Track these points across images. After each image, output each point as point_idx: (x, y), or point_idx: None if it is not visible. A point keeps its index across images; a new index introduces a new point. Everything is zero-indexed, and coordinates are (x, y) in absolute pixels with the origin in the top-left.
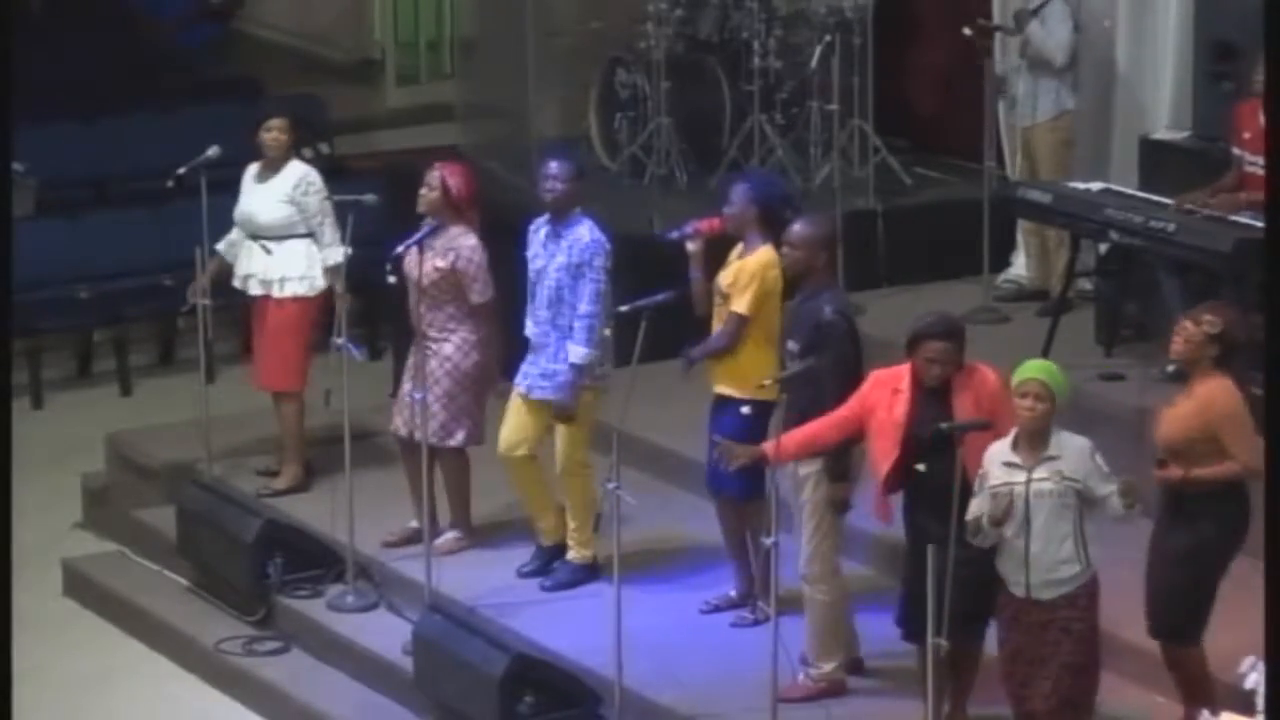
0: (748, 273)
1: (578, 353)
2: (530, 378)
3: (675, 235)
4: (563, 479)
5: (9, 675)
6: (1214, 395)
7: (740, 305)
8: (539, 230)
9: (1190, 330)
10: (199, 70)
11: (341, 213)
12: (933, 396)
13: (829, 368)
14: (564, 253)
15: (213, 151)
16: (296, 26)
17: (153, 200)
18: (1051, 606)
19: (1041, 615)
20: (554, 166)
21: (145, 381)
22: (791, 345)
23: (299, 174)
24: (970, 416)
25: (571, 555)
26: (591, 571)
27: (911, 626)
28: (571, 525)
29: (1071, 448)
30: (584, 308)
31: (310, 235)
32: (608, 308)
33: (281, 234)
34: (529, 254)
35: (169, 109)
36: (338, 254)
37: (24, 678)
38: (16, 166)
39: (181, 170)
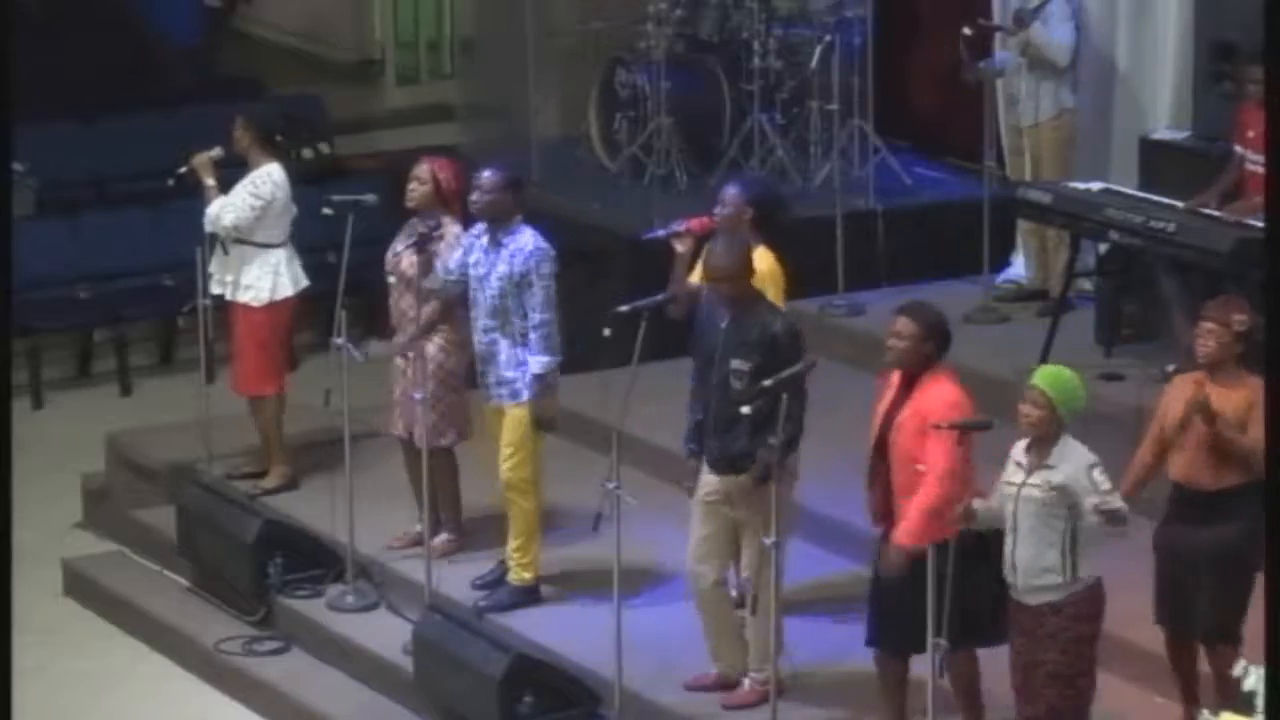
0: (760, 273)
1: (539, 362)
2: (489, 388)
3: (663, 233)
4: (506, 494)
5: (9, 675)
6: (1259, 396)
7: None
8: (480, 237)
9: (1220, 331)
10: (198, 70)
11: (341, 212)
12: (905, 393)
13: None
14: (505, 261)
15: (215, 152)
16: (296, 26)
17: (153, 200)
18: (1039, 613)
19: (1030, 620)
20: (482, 176)
21: (145, 381)
22: (738, 364)
23: (255, 173)
24: (912, 420)
25: (512, 577)
26: (532, 594)
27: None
28: (512, 545)
29: (1070, 459)
30: (537, 316)
31: (266, 246)
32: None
33: (234, 236)
34: (470, 260)
35: (169, 109)
36: (211, 219)
37: (24, 678)
38: (16, 166)
39: (182, 170)
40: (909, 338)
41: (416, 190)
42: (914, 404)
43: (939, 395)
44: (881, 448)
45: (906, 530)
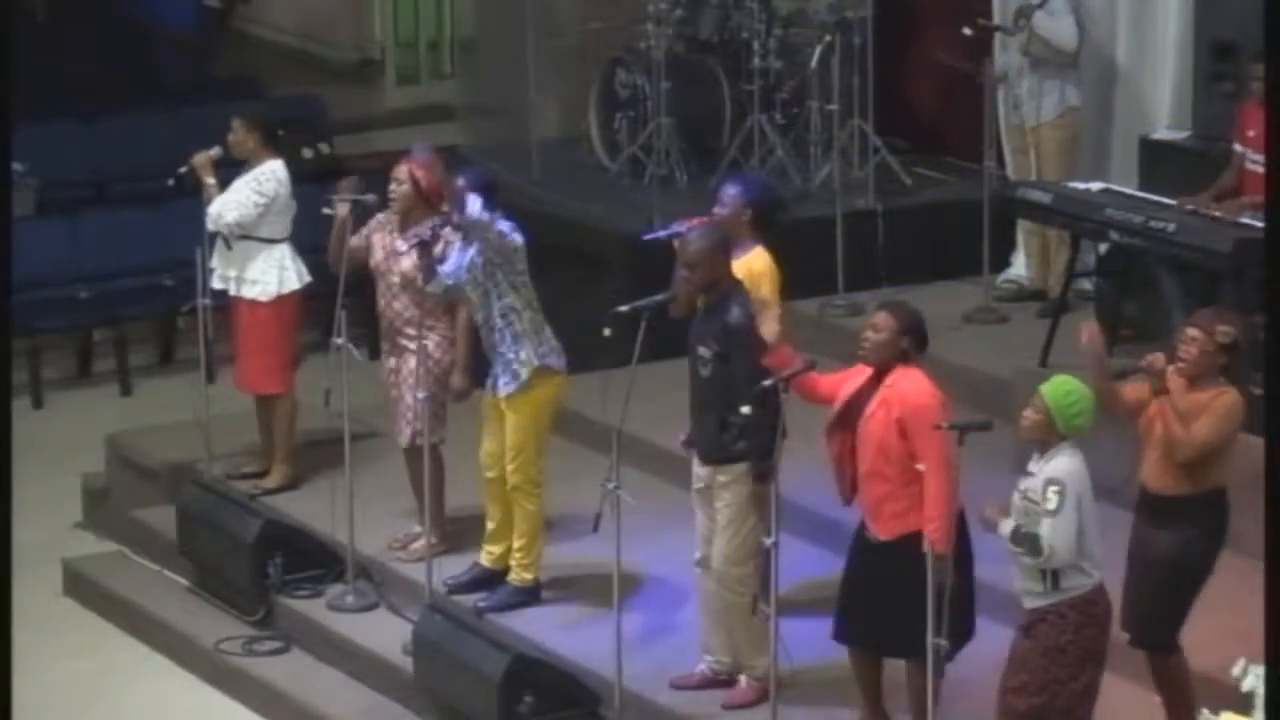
0: (756, 272)
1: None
2: (493, 378)
3: (663, 234)
4: (513, 495)
5: (9, 675)
6: (1235, 409)
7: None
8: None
9: (1204, 340)
10: (198, 70)
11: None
12: (873, 385)
13: (743, 370)
14: (478, 251)
15: (215, 151)
16: (296, 26)
17: (153, 200)
18: (1029, 616)
19: (1025, 624)
20: (454, 184)
21: (145, 381)
22: (704, 351)
23: (258, 169)
24: (883, 410)
25: (513, 577)
26: (533, 595)
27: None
28: (516, 544)
29: (1045, 472)
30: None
31: (270, 241)
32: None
33: (237, 232)
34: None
35: (169, 109)
36: (214, 218)
37: (24, 678)
38: (16, 166)
39: (182, 170)
40: (885, 330)
41: (396, 191)
42: (884, 394)
43: (913, 386)
44: (847, 424)
45: (938, 538)
